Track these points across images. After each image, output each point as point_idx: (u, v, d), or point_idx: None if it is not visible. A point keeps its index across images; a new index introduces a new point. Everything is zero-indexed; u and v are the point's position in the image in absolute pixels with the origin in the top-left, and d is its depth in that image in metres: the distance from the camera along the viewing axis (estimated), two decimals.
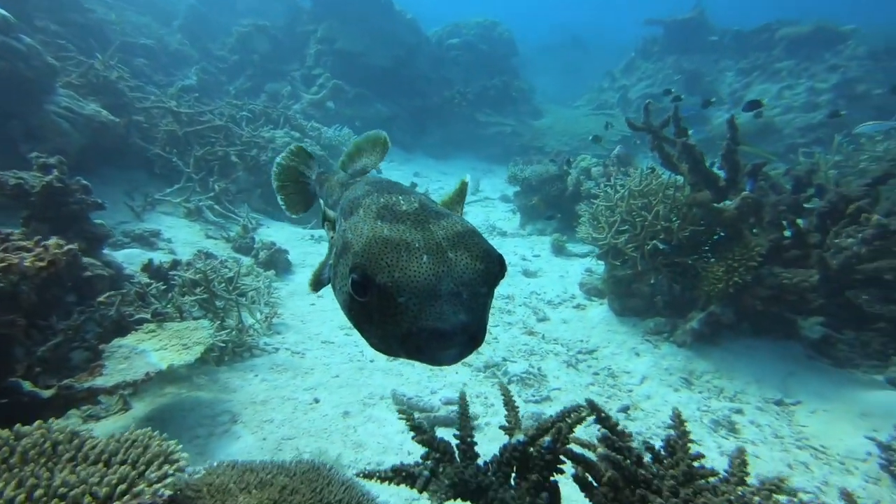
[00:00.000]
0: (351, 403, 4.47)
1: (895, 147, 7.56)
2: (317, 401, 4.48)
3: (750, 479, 1.42)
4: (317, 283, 1.70)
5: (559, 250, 8.97)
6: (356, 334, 5.74)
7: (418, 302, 1.03)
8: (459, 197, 1.80)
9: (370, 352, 5.34)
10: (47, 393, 3.25)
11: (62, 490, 1.61)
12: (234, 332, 4.94)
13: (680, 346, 5.54)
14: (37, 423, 1.95)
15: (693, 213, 5.51)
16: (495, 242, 9.69)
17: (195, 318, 4.84)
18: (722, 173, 5.44)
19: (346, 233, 1.26)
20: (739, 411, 4.62)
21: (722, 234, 5.57)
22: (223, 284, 5.12)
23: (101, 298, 4.25)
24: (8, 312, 3.21)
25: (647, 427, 4.38)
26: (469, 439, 1.77)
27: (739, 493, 1.29)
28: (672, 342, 5.63)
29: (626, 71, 19.90)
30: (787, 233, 5.35)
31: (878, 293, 4.73)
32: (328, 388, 4.67)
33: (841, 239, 4.59)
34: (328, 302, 6.51)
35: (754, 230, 5.42)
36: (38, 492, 1.60)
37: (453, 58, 19.36)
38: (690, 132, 5.24)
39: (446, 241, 1.13)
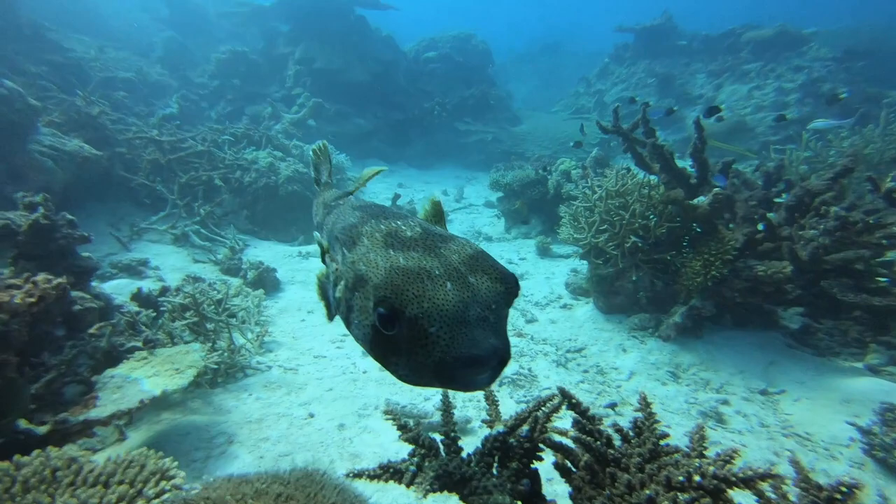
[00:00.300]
0: (346, 416, 4.53)
1: (859, 142, 7.87)
2: (312, 415, 4.53)
3: (708, 453, 1.54)
4: (333, 315, 1.61)
5: (544, 252, 9.13)
6: (348, 347, 5.80)
7: (449, 330, 1.03)
8: (438, 216, 1.75)
9: (363, 363, 5.41)
10: (43, 429, 3.26)
11: None
12: (225, 354, 4.98)
13: (665, 340, 5.68)
14: (35, 451, 2.02)
15: (668, 210, 5.69)
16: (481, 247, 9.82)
17: (186, 342, 4.88)
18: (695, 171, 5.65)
19: (356, 265, 1.23)
20: (726, 402, 4.74)
21: (699, 229, 5.76)
22: (212, 307, 5.17)
23: (91, 330, 4.28)
24: (0, 351, 3.25)
25: None
26: (452, 434, 1.87)
27: (697, 464, 1.41)
28: (657, 337, 5.78)
29: (601, 76, 20.37)
30: (760, 226, 5.55)
31: (851, 282, 4.91)
32: (322, 402, 4.72)
33: (805, 231, 4.79)
34: (318, 317, 6.57)
35: (731, 225, 5.61)
36: None
37: (431, 70, 19.71)
38: (658, 132, 5.45)
39: (463, 265, 1.14)
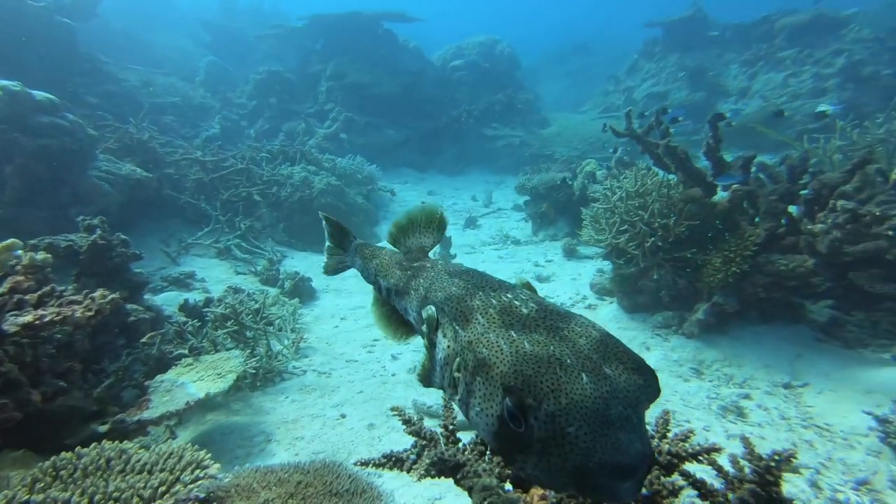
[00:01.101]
0: (375, 416, 4.79)
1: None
2: (343, 416, 4.83)
3: (671, 434, 1.67)
4: (429, 384, 1.52)
5: (571, 254, 9.17)
6: (378, 351, 6.09)
7: (590, 431, 0.92)
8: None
9: (392, 367, 5.67)
10: (103, 428, 3.70)
11: (116, 494, 2.02)
12: (264, 359, 5.37)
13: (689, 337, 5.65)
14: (92, 444, 2.37)
15: (687, 209, 5.67)
16: (510, 251, 9.98)
17: (228, 350, 5.30)
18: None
19: (475, 346, 1.16)
20: (747, 396, 4.73)
21: (721, 227, 5.71)
22: (251, 316, 5.58)
23: (144, 339, 4.75)
24: (67, 360, 3.71)
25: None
26: (451, 426, 2.07)
27: (655, 443, 1.55)
28: (681, 334, 5.75)
29: (630, 72, 20.07)
30: (784, 221, 5.45)
31: (880, 273, 4.77)
32: (353, 404, 5.01)
33: (814, 225, 4.71)
34: (351, 323, 6.91)
35: (757, 220, 5.54)
36: (98, 497, 2.00)
37: (458, 78, 20.01)
38: (672, 131, 5.46)
39: (594, 352, 1.05)
